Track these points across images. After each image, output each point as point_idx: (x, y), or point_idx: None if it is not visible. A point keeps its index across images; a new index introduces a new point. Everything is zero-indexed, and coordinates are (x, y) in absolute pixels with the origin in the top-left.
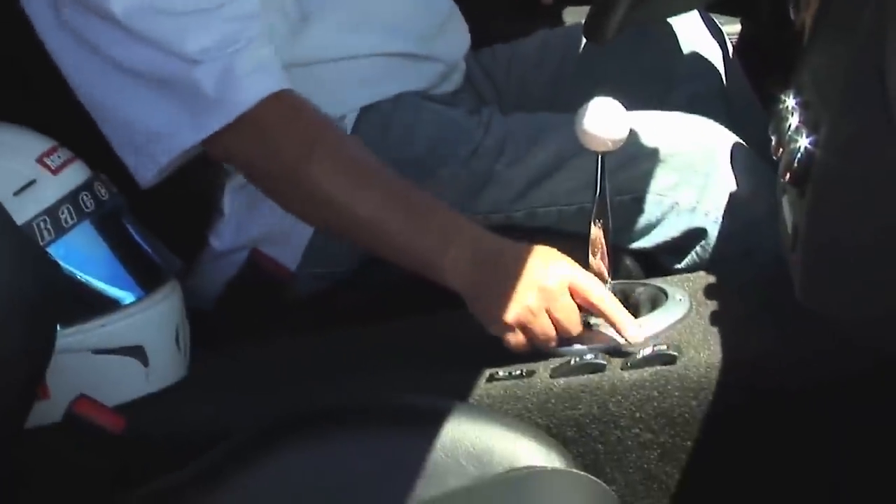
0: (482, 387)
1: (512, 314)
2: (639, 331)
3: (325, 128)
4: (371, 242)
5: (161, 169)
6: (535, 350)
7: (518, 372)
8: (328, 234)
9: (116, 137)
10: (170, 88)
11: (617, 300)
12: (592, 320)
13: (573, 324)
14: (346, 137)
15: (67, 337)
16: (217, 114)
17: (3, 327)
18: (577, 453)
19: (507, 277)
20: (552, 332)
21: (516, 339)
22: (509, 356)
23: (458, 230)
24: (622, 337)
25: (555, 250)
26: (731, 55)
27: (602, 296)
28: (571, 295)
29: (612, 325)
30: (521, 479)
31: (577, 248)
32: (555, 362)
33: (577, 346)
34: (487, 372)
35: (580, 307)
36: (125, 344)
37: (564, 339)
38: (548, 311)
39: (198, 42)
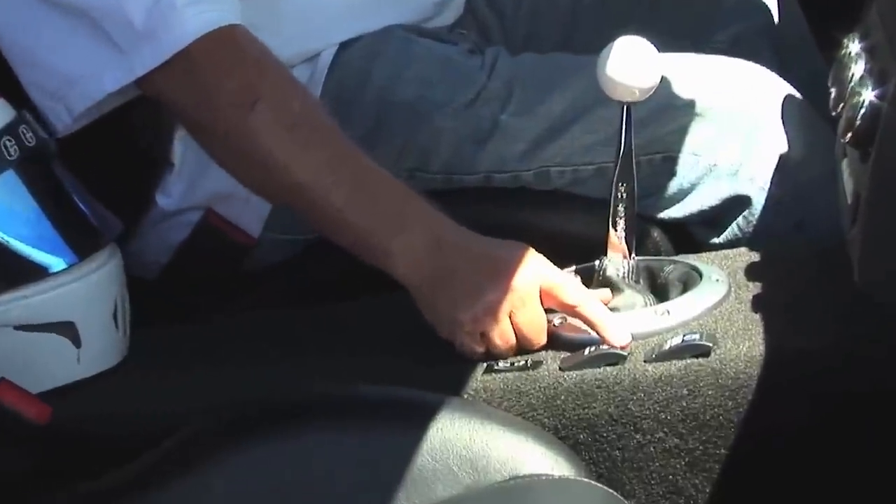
0: (479, 379)
1: (468, 315)
2: (625, 335)
3: (272, 74)
4: (310, 214)
5: (77, 116)
6: (488, 358)
7: (522, 362)
8: (266, 198)
9: (30, 79)
10: (90, 20)
11: (598, 302)
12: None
13: (537, 332)
14: (296, 88)
15: None
16: (145, 52)
17: None
18: (589, 460)
19: (467, 272)
20: (512, 341)
21: (470, 344)
22: None
23: (415, 213)
24: (607, 344)
25: (529, 247)
26: None
27: (580, 298)
28: (543, 299)
29: (595, 330)
30: (523, 490)
31: (594, 217)
32: (566, 352)
33: (591, 333)
34: (485, 362)
35: (554, 311)
36: (53, 319)
37: (525, 349)
38: (511, 316)
39: None
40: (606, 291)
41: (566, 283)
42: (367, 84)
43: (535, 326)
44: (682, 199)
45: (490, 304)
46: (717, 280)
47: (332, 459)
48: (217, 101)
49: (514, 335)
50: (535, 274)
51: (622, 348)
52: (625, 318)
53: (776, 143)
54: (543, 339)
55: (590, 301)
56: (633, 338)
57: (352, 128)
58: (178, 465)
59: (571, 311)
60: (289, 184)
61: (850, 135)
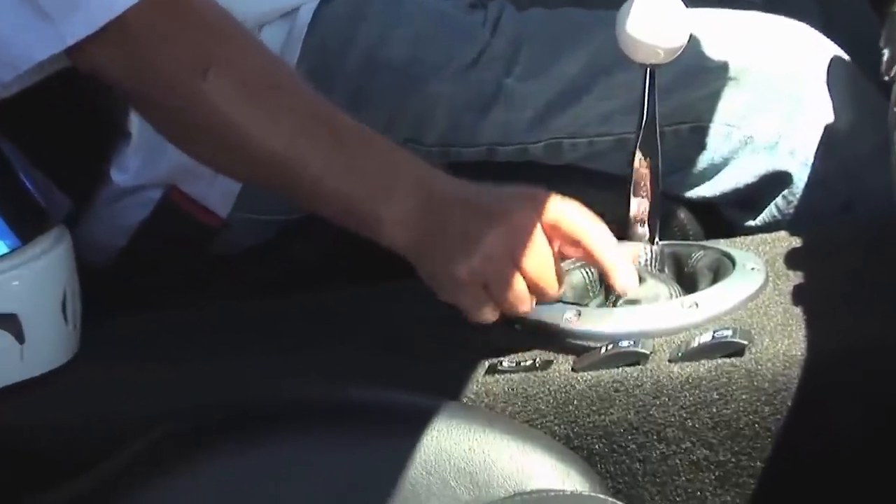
0: (480, 381)
1: (465, 268)
2: (633, 281)
3: (225, 36)
4: (287, 187)
5: (6, 84)
6: (504, 319)
7: (529, 362)
8: (233, 177)
9: None
10: None
11: (608, 233)
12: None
13: (548, 276)
14: (257, 48)
15: None
16: (76, 20)
17: None
18: (606, 473)
19: (461, 223)
20: (522, 290)
21: (475, 303)
22: (516, 340)
23: (403, 171)
24: (615, 281)
25: (535, 188)
26: None
27: (585, 226)
28: (549, 235)
29: (598, 266)
30: None
31: (612, 196)
32: (579, 350)
33: (606, 329)
34: (487, 361)
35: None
36: None
37: (539, 298)
38: (515, 261)
39: None
40: (635, 246)
41: (571, 209)
42: (353, 44)
43: (545, 269)
44: (714, 175)
45: (487, 251)
46: (753, 268)
47: (311, 473)
48: (161, 71)
49: (523, 283)
50: (535, 209)
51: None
52: (647, 311)
53: (820, 112)
54: (556, 285)
55: (597, 231)
56: (656, 334)
57: (335, 94)
58: (135, 479)
59: (575, 243)
60: (257, 156)
61: None
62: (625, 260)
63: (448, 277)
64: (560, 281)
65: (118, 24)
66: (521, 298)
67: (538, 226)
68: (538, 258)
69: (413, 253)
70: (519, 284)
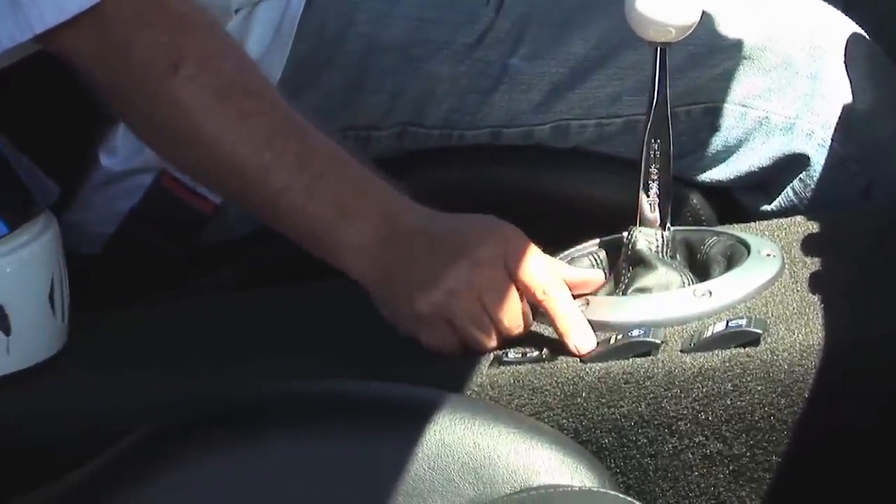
0: (485, 372)
1: (426, 304)
2: (589, 342)
3: (199, 32)
4: (248, 198)
5: None
6: (468, 351)
7: (536, 353)
8: (196, 179)
9: None
10: None
11: (567, 295)
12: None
13: (512, 315)
14: (230, 48)
15: None
16: (45, 7)
17: None
18: (616, 468)
19: (424, 257)
20: (486, 324)
21: (438, 337)
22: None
23: (367, 197)
24: (568, 347)
25: (501, 221)
26: None
27: (546, 282)
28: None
29: (554, 326)
30: None
31: (622, 180)
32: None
33: (616, 318)
34: (492, 352)
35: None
36: None
37: (506, 335)
38: (479, 297)
39: None
40: (597, 275)
41: (537, 261)
42: (351, 23)
43: (509, 305)
44: (727, 158)
45: (450, 287)
46: (768, 255)
47: (309, 469)
48: (132, 64)
49: (487, 319)
50: (502, 247)
51: (580, 356)
52: (658, 299)
53: (839, 92)
54: (520, 323)
55: (557, 289)
56: (668, 324)
57: (333, 76)
58: (124, 476)
59: (540, 303)
60: (220, 161)
61: None
62: (579, 322)
63: (409, 311)
64: (526, 319)
65: (91, 12)
66: (486, 334)
67: (502, 263)
68: (501, 295)
69: (372, 283)
70: (482, 318)
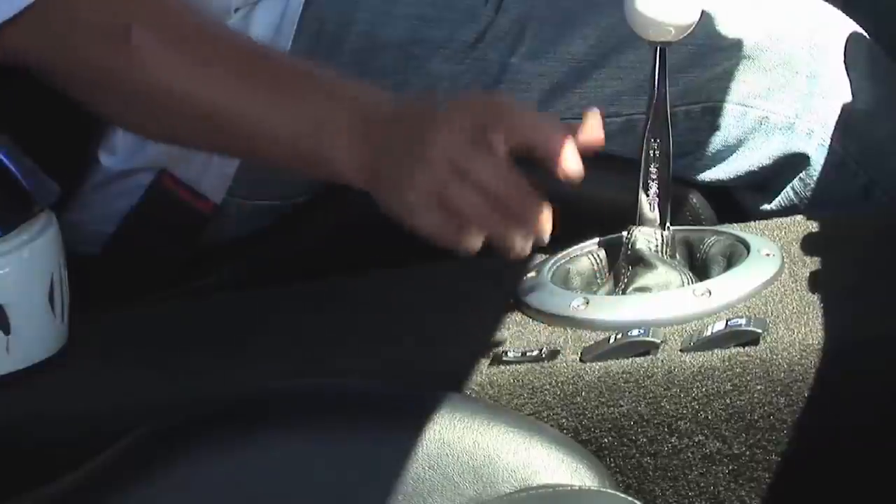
0: (484, 371)
1: (414, 192)
2: (579, 167)
3: None
4: (228, 142)
5: None
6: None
7: (535, 352)
8: (174, 142)
9: None
10: None
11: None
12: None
13: (504, 178)
14: (180, 2)
15: None
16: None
17: None
18: (615, 467)
19: (402, 139)
20: (480, 201)
21: (443, 224)
22: (522, 329)
23: (336, 102)
24: (558, 167)
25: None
26: None
27: (533, 116)
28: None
29: (550, 155)
30: (537, 503)
31: (621, 179)
32: (588, 340)
33: (616, 317)
34: (492, 351)
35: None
36: None
37: (511, 209)
38: (467, 165)
39: None
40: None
41: (509, 104)
42: (351, 22)
43: (499, 171)
44: (727, 157)
45: (433, 157)
46: (768, 254)
47: (309, 469)
48: (84, 39)
49: (484, 193)
50: (473, 108)
51: (567, 176)
52: (657, 299)
53: (839, 91)
54: (518, 186)
55: (541, 118)
56: (667, 323)
57: None
58: (124, 476)
59: (531, 138)
60: (193, 114)
61: None
62: (571, 147)
63: (405, 199)
64: (516, 178)
65: (33, 9)
66: (483, 205)
67: (482, 126)
68: (488, 162)
69: (370, 184)
70: (477, 197)
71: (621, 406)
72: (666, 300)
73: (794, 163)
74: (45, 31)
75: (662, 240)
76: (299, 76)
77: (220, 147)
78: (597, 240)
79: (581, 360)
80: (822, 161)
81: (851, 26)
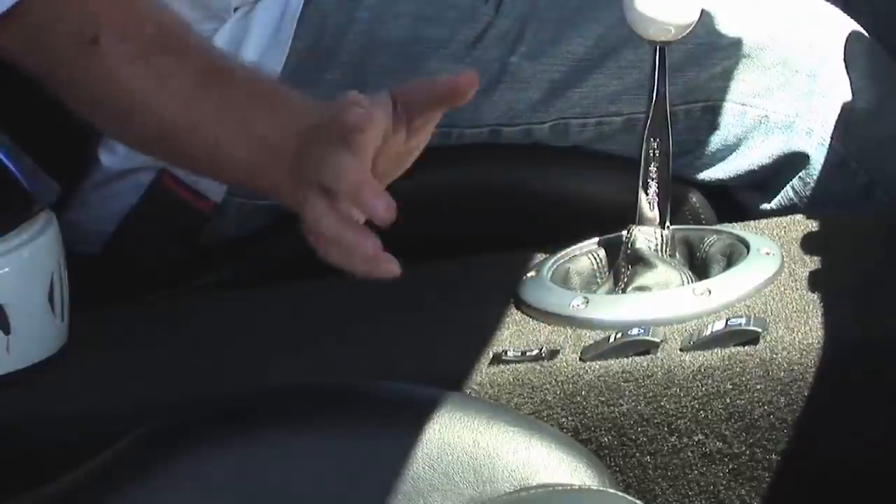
0: (484, 371)
1: (291, 192)
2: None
3: (116, 1)
4: (187, 157)
5: None
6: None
7: (535, 352)
8: (138, 148)
9: None
10: None
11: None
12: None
13: (344, 168)
14: (150, 8)
15: None
16: None
17: None
18: (615, 467)
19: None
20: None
21: (321, 214)
22: (521, 329)
23: (285, 125)
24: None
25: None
26: None
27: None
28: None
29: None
30: (536, 502)
31: (621, 178)
32: (587, 339)
33: (615, 317)
34: (491, 351)
35: None
36: None
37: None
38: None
39: None
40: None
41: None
42: (350, 21)
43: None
44: (727, 157)
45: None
46: (768, 253)
47: (309, 468)
48: (59, 44)
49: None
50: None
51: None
52: (657, 298)
53: (839, 90)
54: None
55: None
56: (667, 322)
57: (332, 74)
58: (124, 476)
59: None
60: (154, 125)
61: None
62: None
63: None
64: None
65: (18, 8)
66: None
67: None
68: (324, 151)
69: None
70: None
71: (621, 405)
72: (666, 299)
73: (793, 162)
74: (27, 31)
75: (662, 239)
76: (253, 92)
77: (185, 164)
78: (596, 239)
79: (581, 359)
80: (822, 160)
81: (851, 25)
